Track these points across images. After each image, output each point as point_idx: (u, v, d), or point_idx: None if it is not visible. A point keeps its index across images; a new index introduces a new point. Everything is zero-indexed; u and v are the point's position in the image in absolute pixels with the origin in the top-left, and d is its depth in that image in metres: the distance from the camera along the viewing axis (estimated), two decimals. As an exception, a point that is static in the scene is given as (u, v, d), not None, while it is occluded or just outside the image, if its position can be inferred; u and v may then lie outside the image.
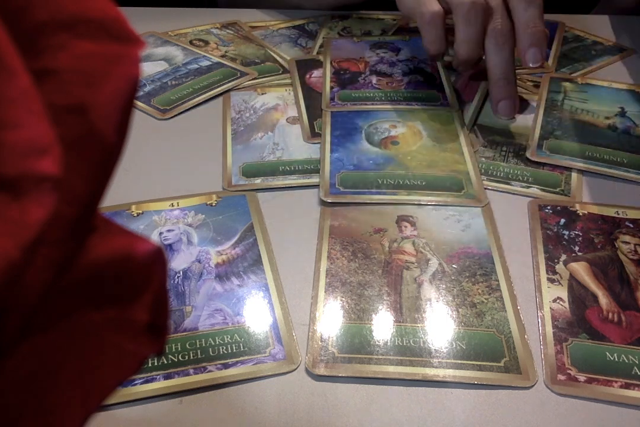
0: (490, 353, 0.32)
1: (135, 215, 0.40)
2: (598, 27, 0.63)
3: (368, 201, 0.41)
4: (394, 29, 0.63)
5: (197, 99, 0.52)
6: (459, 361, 0.32)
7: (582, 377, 0.31)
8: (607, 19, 0.65)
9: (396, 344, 0.32)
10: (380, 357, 0.32)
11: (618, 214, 0.40)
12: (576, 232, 0.39)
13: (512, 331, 0.33)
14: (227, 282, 0.36)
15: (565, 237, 0.39)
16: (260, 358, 0.32)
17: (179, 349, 0.32)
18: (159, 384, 0.31)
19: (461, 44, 0.48)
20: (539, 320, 0.34)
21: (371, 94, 0.52)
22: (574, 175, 0.44)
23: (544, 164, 0.45)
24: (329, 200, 0.41)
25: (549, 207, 0.41)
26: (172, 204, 0.41)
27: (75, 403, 0.12)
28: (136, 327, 0.13)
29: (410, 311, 0.34)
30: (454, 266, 0.37)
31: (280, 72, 0.56)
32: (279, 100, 0.52)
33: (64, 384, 0.12)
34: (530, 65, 0.47)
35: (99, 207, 0.12)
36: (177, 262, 0.37)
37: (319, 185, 0.43)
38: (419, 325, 0.33)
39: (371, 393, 0.31)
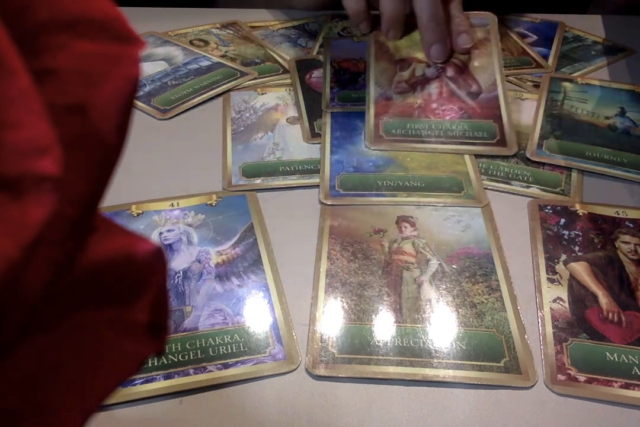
0: (490, 353, 0.32)
1: (135, 215, 0.40)
2: (598, 27, 0.63)
3: (368, 203, 0.41)
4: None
5: (197, 99, 0.52)
6: (459, 361, 0.32)
7: (582, 377, 0.31)
8: (607, 19, 0.65)
9: (396, 344, 0.32)
10: (380, 357, 0.32)
11: (618, 214, 0.40)
12: (576, 232, 0.39)
13: (512, 331, 0.33)
14: (227, 282, 0.36)
15: (565, 237, 0.39)
16: (260, 358, 0.32)
17: (179, 349, 0.32)
18: (159, 384, 0.31)
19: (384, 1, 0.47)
20: (539, 320, 0.34)
21: (371, 94, 0.52)
22: (574, 175, 0.44)
23: (544, 164, 0.45)
24: (329, 203, 0.41)
25: (549, 207, 0.41)
26: (172, 204, 0.41)
27: (75, 403, 0.12)
28: (136, 327, 0.13)
29: (410, 312, 0.34)
30: (453, 266, 0.37)
31: (280, 72, 0.56)
32: (279, 100, 0.52)
33: (64, 384, 0.12)
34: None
35: (99, 207, 0.12)
36: (177, 262, 0.37)
37: (319, 185, 0.43)
38: (419, 325, 0.33)
39: (371, 393, 0.31)
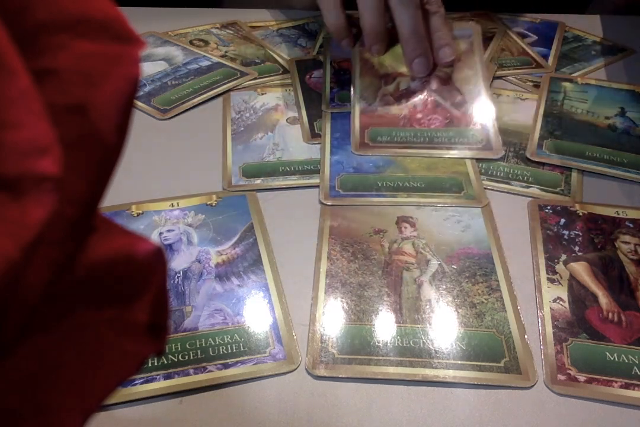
0: (490, 353, 0.32)
1: (135, 215, 0.40)
2: (597, 27, 0.63)
3: (368, 204, 0.41)
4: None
5: (197, 99, 0.52)
6: (459, 362, 0.32)
7: (582, 377, 0.31)
8: (607, 19, 0.65)
9: (396, 345, 0.32)
10: (380, 358, 0.32)
11: (618, 214, 0.40)
12: (576, 232, 0.39)
13: (512, 331, 0.33)
14: (227, 282, 0.36)
15: (565, 237, 0.39)
16: (260, 358, 0.32)
17: (179, 349, 0.32)
18: (159, 384, 0.31)
19: (364, 13, 0.47)
20: (539, 320, 0.34)
21: (371, 94, 0.52)
22: (574, 175, 0.44)
23: (544, 164, 0.45)
24: (329, 203, 0.41)
25: (549, 207, 0.41)
26: (172, 204, 0.41)
27: (75, 403, 0.12)
28: (136, 328, 0.13)
29: (410, 312, 0.34)
30: (453, 266, 0.37)
31: (280, 72, 0.56)
32: (279, 101, 0.52)
33: (63, 384, 0.12)
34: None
35: (99, 207, 0.12)
36: (177, 262, 0.37)
37: (319, 185, 0.43)
38: (419, 326, 0.33)
39: (371, 393, 0.31)
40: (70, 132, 0.11)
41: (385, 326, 0.33)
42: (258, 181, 0.43)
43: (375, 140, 0.46)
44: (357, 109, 0.48)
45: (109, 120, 0.11)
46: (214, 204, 0.41)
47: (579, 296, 0.35)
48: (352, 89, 0.50)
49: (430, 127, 0.47)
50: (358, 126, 0.47)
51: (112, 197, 0.40)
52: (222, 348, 0.32)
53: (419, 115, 0.47)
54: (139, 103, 0.51)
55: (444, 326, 0.33)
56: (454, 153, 0.45)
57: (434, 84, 0.49)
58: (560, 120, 0.49)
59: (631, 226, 0.39)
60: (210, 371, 0.31)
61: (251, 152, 0.46)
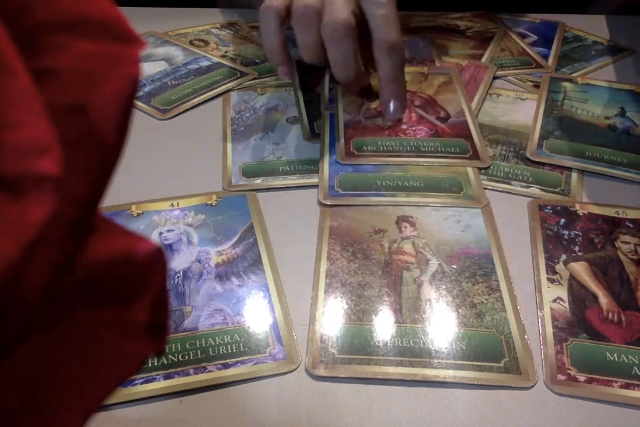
0: (490, 353, 0.32)
1: (135, 215, 0.40)
2: (598, 27, 0.63)
3: (367, 204, 0.41)
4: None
5: (197, 99, 0.52)
6: (459, 362, 0.32)
7: (582, 377, 0.31)
8: (607, 19, 0.65)
9: (396, 344, 0.32)
10: (380, 358, 0.32)
11: (618, 214, 0.40)
12: (576, 232, 0.39)
13: (512, 331, 0.33)
14: (227, 282, 0.36)
15: (565, 237, 0.39)
16: (260, 358, 0.32)
17: (179, 349, 0.32)
18: (159, 384, 0.31)
19: (301, 49, 0.44)
20: (539, 320, 0.34)
21: (371, 94, 0.52)
22: (574, 175, 0.44)
23: (544, 164, 0.45)
24: (328, 203, 0.41)
25: (549, 207, 0.41)
26: (172, 204, 0.41)
27: (75, 403, 0.12)
28: (136, 328, 0.13)
29: (410, 312, 0.34)
30: (453, 266, 0.37)
31: (280, 72, 0.56)
32: (279, 101, 0.52)
33: (63, 384, 0.12)
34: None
35: (99, 207, 0.12)
36: (177, 262, 0.37)
37: (318, 185, 0.43)
38: (418, 326, 0.33)
39: (371, 393, 0.31)
40: (70, 132, 0.11)
41: (385, 326, 0.33)
42: (258, 181, 0.43)
43: (361, 149, 0.46)
44: (340, 122, 0.49)
45: (109, 120, 0.11)
46: (214, 204, 0.41)
47: (579, 296, 0.35)
48: (334, 103, 0.51)
49: (416, 137, 0.47)
50: (342, 137, 0.47)
51: (112, 197, 0.40)
52: (222, 348, 0.32)
53: (404, 126, 0.48)
54: (139, 103, 0.51)
55: (444, 325, 0.33)
56: (442, 161, 0.45)
57: (417, 101, 0.50)
58: (560, 120, 0.49)
59: (631, 226, 0.39)
60: (210, 371, 0.31)
61: (251, 151, 0.46)
